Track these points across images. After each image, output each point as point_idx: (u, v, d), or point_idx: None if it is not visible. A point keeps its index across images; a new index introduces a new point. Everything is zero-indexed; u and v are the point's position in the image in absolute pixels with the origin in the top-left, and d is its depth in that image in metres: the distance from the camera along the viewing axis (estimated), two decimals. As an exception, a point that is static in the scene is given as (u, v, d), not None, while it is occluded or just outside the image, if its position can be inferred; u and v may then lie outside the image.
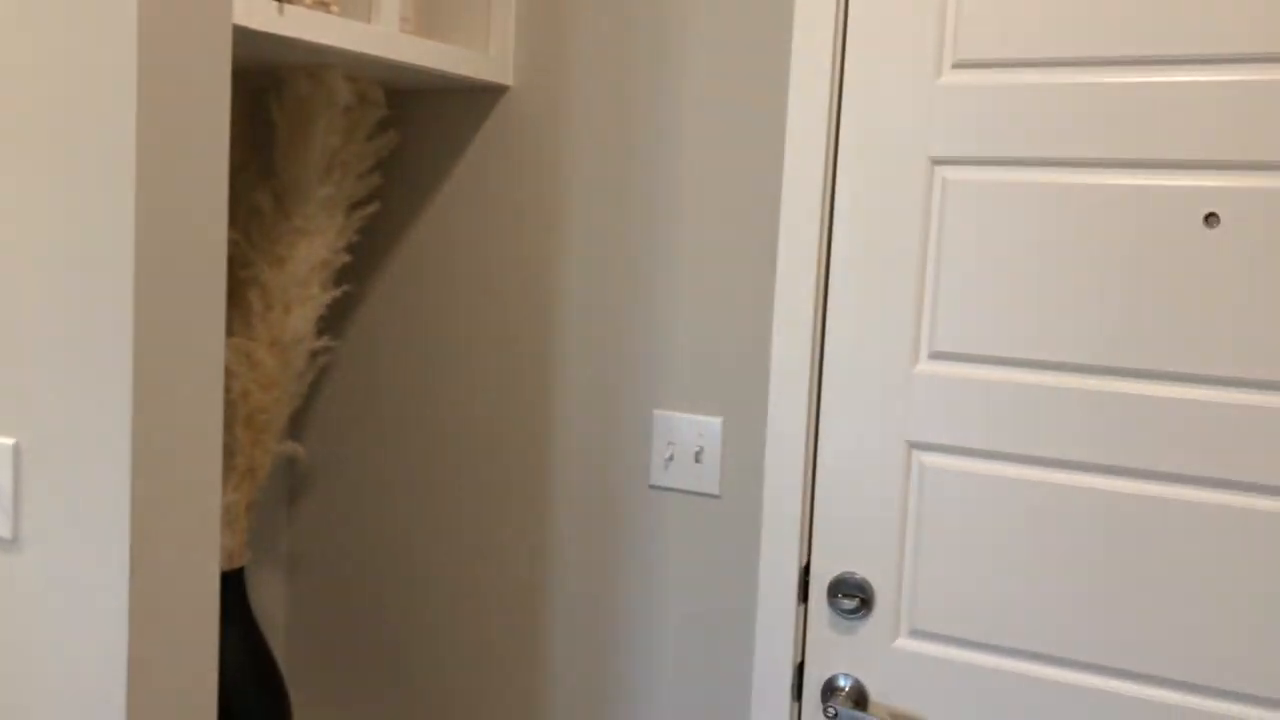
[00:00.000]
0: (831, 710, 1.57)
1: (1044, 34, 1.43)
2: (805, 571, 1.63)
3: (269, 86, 1.68)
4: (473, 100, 1.82)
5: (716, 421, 1.67)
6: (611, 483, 1.75)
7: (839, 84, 1.56)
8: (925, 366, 1.53)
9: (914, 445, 1.54)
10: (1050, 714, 1.48)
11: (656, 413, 1.71)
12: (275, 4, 1.34)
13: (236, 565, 1.71)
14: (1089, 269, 1.42)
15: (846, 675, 1.61)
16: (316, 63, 1.57)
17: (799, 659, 1.64)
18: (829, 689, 1.62)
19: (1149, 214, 1.39)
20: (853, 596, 1.59)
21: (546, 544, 1.81)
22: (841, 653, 1.61)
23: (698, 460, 1.68)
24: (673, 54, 1.65)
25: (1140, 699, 1.44)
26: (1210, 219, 1.36)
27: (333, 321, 1.96)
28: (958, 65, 1.48)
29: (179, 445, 1.19)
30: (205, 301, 1.21)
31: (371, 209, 1.78)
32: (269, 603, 2.07)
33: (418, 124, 1.87)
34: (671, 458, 1.70)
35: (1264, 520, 1.36)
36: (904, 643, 1.57)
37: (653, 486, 1.72)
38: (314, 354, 1.75)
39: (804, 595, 1.63)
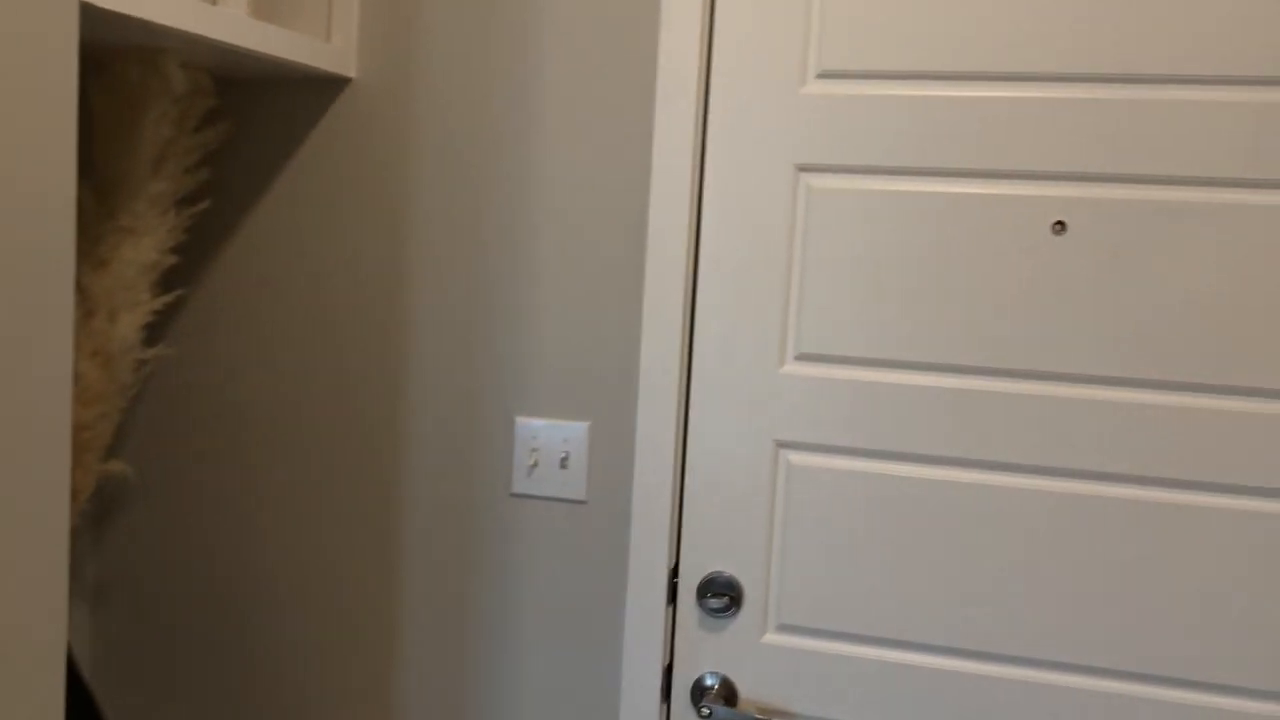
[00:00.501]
0: (706, 710, 1.59)
1: (903, 47, 1.49)
2: (674, 573, 1.64)
3: (86, 71, 1.52)
4: (311, 93, 1.71)
5: (583, 426, 1.64)
6: (470, 493, 1.70)
7: (705, 89, 1.57)
8: (792, 368, 1.57)
9: (781, 444, 1.58)
10: (912, 699, 1.56)
11: (519, 419, 1.67)
12: (120, -20, 1.21)
13: (54, 601, 1.53)
14: (946, 273, 1.50)
15: (714, 674, 1.63)
16: (151, 46, 1.43)
17: (668, 660, 1.64)
18: (698, 689, 1.63)
19: (1001, 222, 1.48)
20: (721, 595, 1.60)
21: (400, 560, 1.73)
22: (710, 652, 1.63)
23: (563, 466, 1.66)
24: (532, 50, 1.62)
25: (997, 679, 1.53)
26: (1058, 226, 1.47)
27: (161, 329, 1.79)
28: (822, 75, 1.53)
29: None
30: (50, 309, 1.08)
31: (202, 206, 1.64)
32: (71, 638, 1.88)
33: (250, 116, 1.74)
34: (535, 465, 1.66)
35: (1104, 505, 1.48)
36: (772, 638, 1.61)
37: (515, 495, 1.68)
38: (142, 364, 1.60)
39: (672, 597, 1.64)
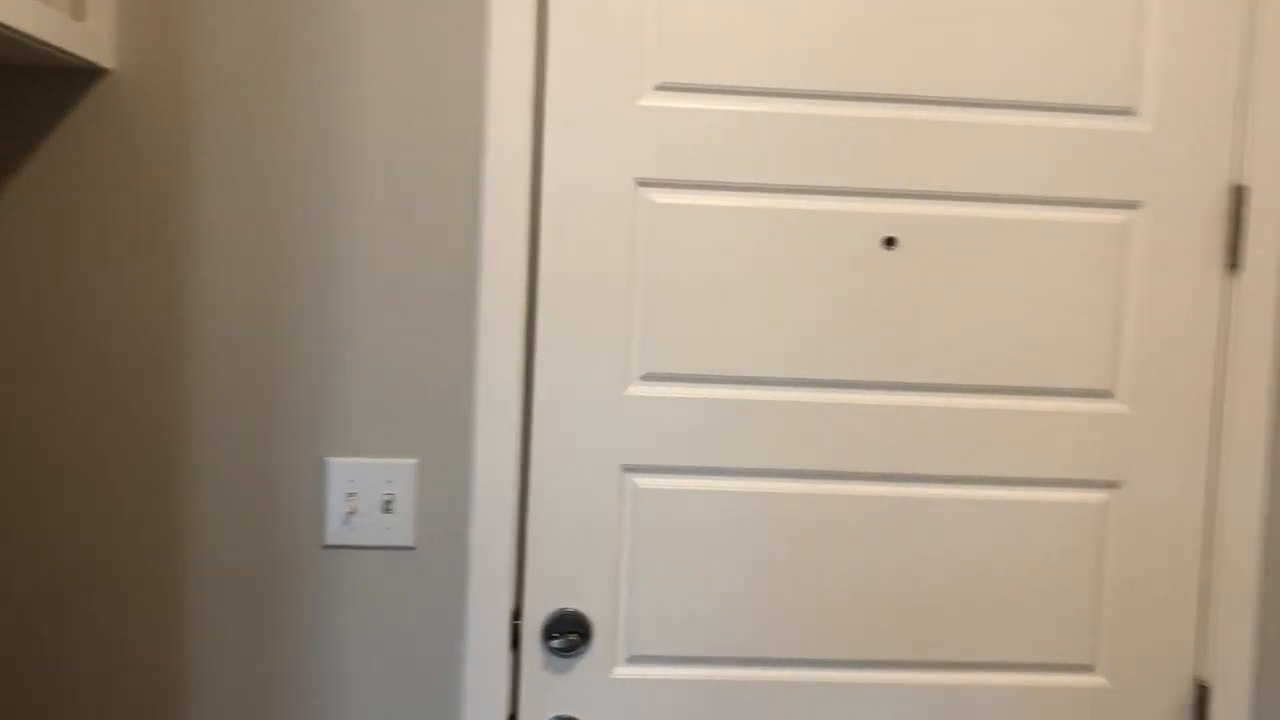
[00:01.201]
0: (563, 757, 1.49)
1: (740, 62, 1.49)
2: (516, 615, 1.52)
3: None
4: (56, 84, 1.42)
5: (410, 464, 1.49)
6: (274, 549, 1.48)
7: (539, 101, 1.48)
8: (637, 389, 1.51)
9: (628, 469, 1.51)
10: (768, 715, 1.55)
11: (331, 460, 1.48)
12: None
13: None
14: (784, 289, 1.51)
15: (562, 718, 1.53)
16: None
17: (511, 710, 1.52)
18: (545, 735, 1.53)
19: (836, 237, 1.51)
20: (569, 633, 1.51)
21: (186, 635, 1.48)
22: (558, 694, 1.53)
23: (387, 510, 1.49)
24: (339, 52, 1.44)
25: (847, 684, 1.56)
26: (889, 242, 1.52)
27: None
28: (660, 88, 1.49)
29: None
30: None
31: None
32: None
33: (-34, 108, 1.41)
34: (354, 511, 1.48)
35: (941, 507, 1.55)
36: (622, 671, 1.54)
37: (329, 546, 1.49)
38: None
39: (516, 641, 1.52)
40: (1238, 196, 1.55)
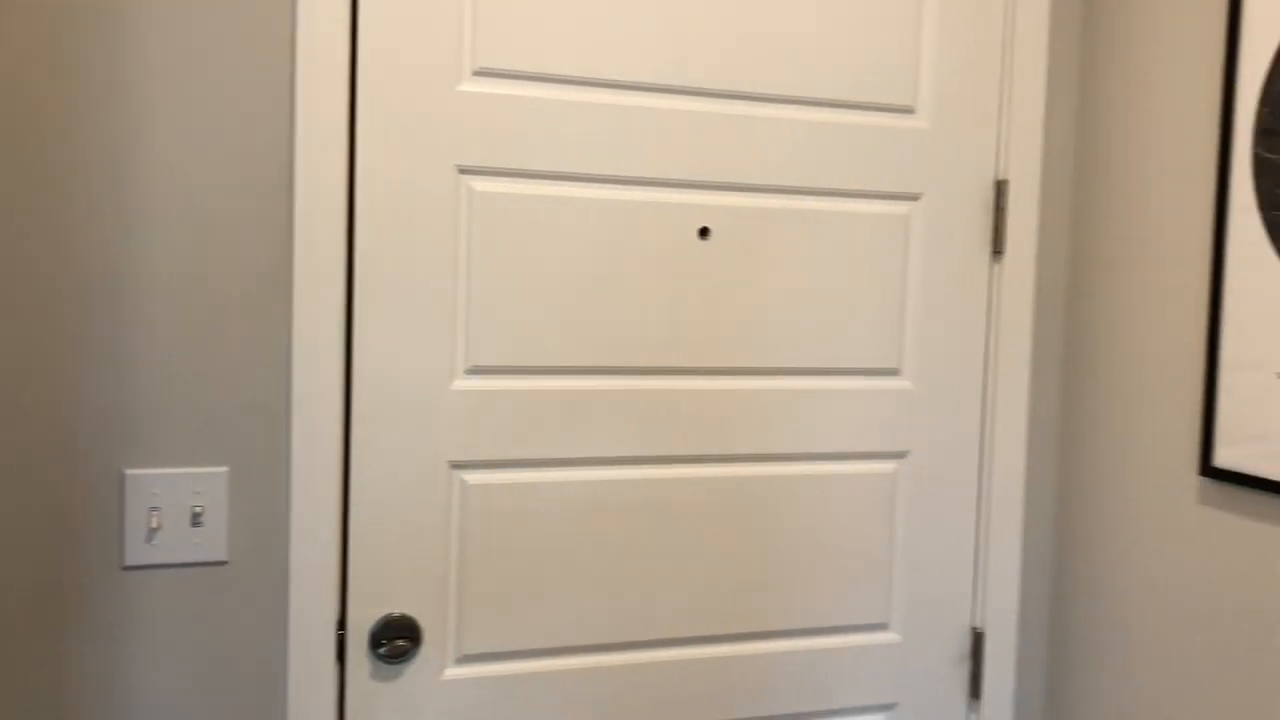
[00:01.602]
0: (401, 767, 1.44)
1: (558, 50, 1.48)
2: (341, 625, 1.45)
3: None
4: None
5: (220, 473, 1.38)
6: (63, 573, 1.33)
7: (354, 84, 1.40)
8: (463, 383, 1.47)
9: (456, 465, 1.48)
10: (597, 699, 1.56)
11: (129, 473, 1.34)
12: None
13: None
14: (607, 278, 1.52)
15: (391, 726, 1.48)
16: None
17: (338, 724, 1.45)
18: (374, 747, 1.47)
19: (655, 227, 1.54)
20: (398, 639, 1.46)
21: (-42, 679, 1.30)
22: (388, 703, 1.47)
23: (196, 524, 1.37)
24: (137, 24, 1.30)
25: (681, 661, 1.60)
26: (704, 232, 1.57)
27: None
28: (479, 73, 1.45)
29: None
30: None
31: None
32: None
33: None
34: (158, 527, 1.36)
35: (762, 485, 1.62)
36: (454, 672, 1.50)
37: (129, 567, 1.35)
38: None
39: (342, 652, 1.45)
40: (1000, 189, 1.71)
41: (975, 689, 1.77)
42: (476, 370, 1.48)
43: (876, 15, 1.62)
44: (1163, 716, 1.57)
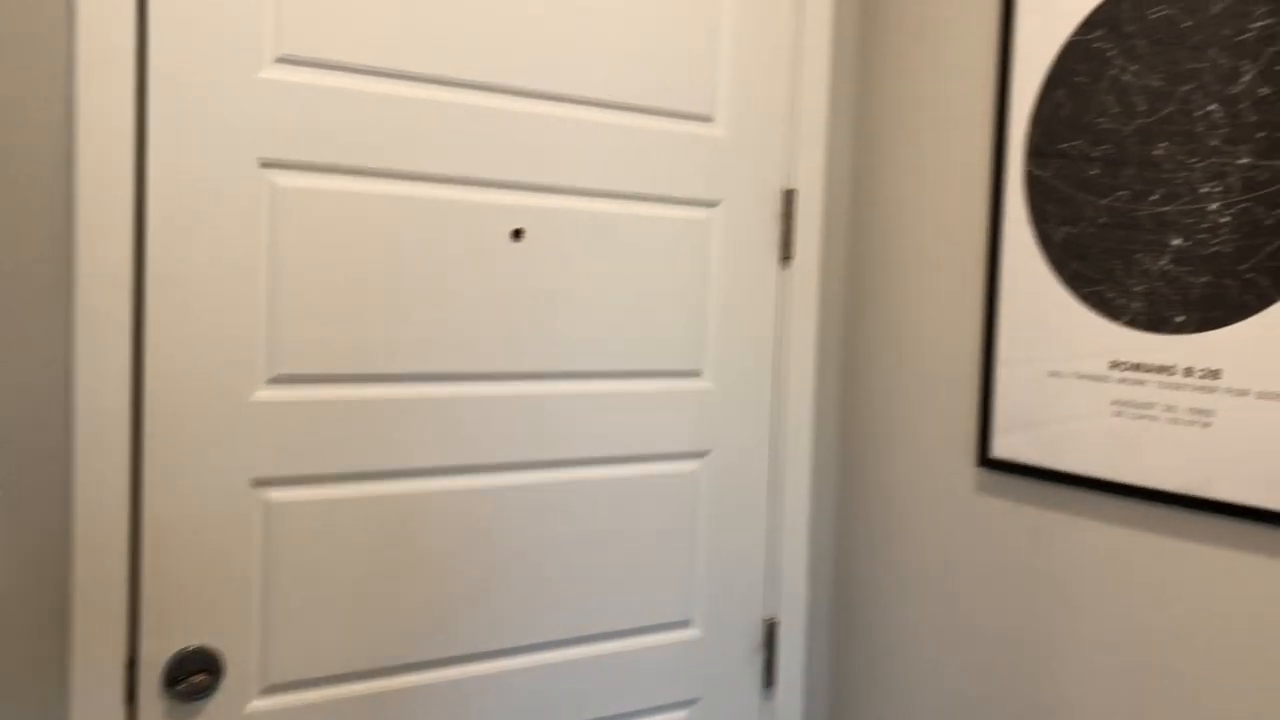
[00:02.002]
0: (205, 814, 1.31)
1: (368, 39, 1.40)
2: (132, 663, 1.30)
3: None
4: None
5: (-14, 501, 1.21)
6: None
7: (144, 67, 1.26)
8: (265, 393, 1.37)
9: (259, 483, 1.37)
10: (416, 715, 1.50)
11: None
12: None
13: None
14: (418, 280, 1.46)
15: (186, 770, 1.35)
16: None
17: (127, 774, 1.31)
18: (168, 794, 1.34)
19: (466, 228, 1.49)
20: (198, 673, 1.33)
21: None
22: (184, 745, 1.34)
23: (-43, 560, 1.19)
24: None
25: (507, 672, 1.56)
26: (517, 234, 1.53)
27: None
28: (282, 60, 1.35)
29: None
30: None
31: None
32: None
33: None
34: (-91, 566, 1.17)
35: (574, 489, 1.60)
36: (259, 705, 1.39)
37: (-128, 616, 1.16)
38: None
39: (132, 693, 1.31)
40: (789, 198, 1.79)
41: (769, 678, 1.84)
42: (280, 379, 1.38)
43: (678, 26, 1.65)
44: (943, 691, 1.70)
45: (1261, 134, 1.27)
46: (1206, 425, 1.33)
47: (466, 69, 1.47)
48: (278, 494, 1.38)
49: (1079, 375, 1.48)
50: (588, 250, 1.60)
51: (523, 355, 1.55)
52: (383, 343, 1.44)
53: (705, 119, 1.70)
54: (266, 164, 1.35)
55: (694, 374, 1.72)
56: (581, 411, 1.61)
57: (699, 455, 1.74)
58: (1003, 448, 1.58)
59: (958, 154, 1.66)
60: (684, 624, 1.75)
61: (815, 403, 1.85)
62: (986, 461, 1.61)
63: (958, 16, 1.67)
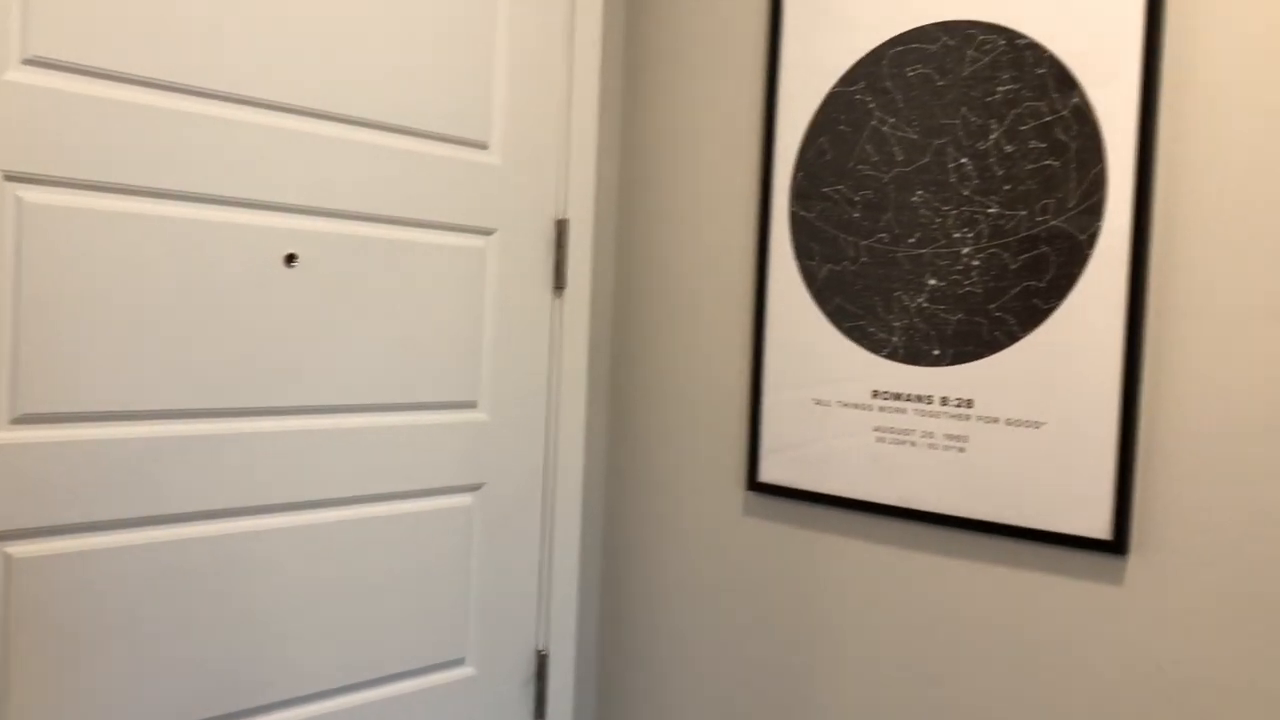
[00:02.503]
0: None
1: (127, 45, 1.27)
2: None
3: None
4: None
5: None
6: None
7: None
8: (8, 435, 1.21)
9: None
10: (175, 790, 1.37)
11: None
12: None
13: None
14: (182, 309, 1.34)
15: None
16: None
17: None
18: None
19: (236, 252, 1.39)
20: (-82, 762, 1.16)
21: None
22: (-98, 846, 1.16)
23: None
24: None
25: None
26: (290, 259, 1.44)
27: None
28: (31, 62, 1.20)
29: None
30: None
31: None
32: None
33: None
34: None
35: (353, 528, 1.52)
36: (-7, 791, 1.22)
37: None
38: None
39: None
40: (561, 228, 1.79)
41: (540, 709, 1.82)
42: (26, 420, 1.22)
43: (455, 52, 1.62)
44: (712, 706, 1.75)
45: (1007, 187, 1.42)
46: (961, 450, 1.46)
47: (236, 82, 1.38)
48: (20, 549, 1.22)
49: (843, 403, 1.58)
50: (363, 277, 1.53)
51: (292, 389, 1.46)
52: (142, 377, 1.31)
53: (481, 146, 1.68)
54: (12, 177, 1.20)
55: (470, 405, 1.69)
56: (353, 448, 1.54)
57: (474, 488, 1.71)
58: (771, 472, 1.66)
59: (726, 192, 1.74)
60: (458, 662, 1.71)
61: (587, 431, 1.86)
62: (755, 485, 1.68)
63: (724, 62, 1.74)
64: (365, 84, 1.51)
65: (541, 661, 1.82)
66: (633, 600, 1.87)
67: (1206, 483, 1.29)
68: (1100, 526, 1.35)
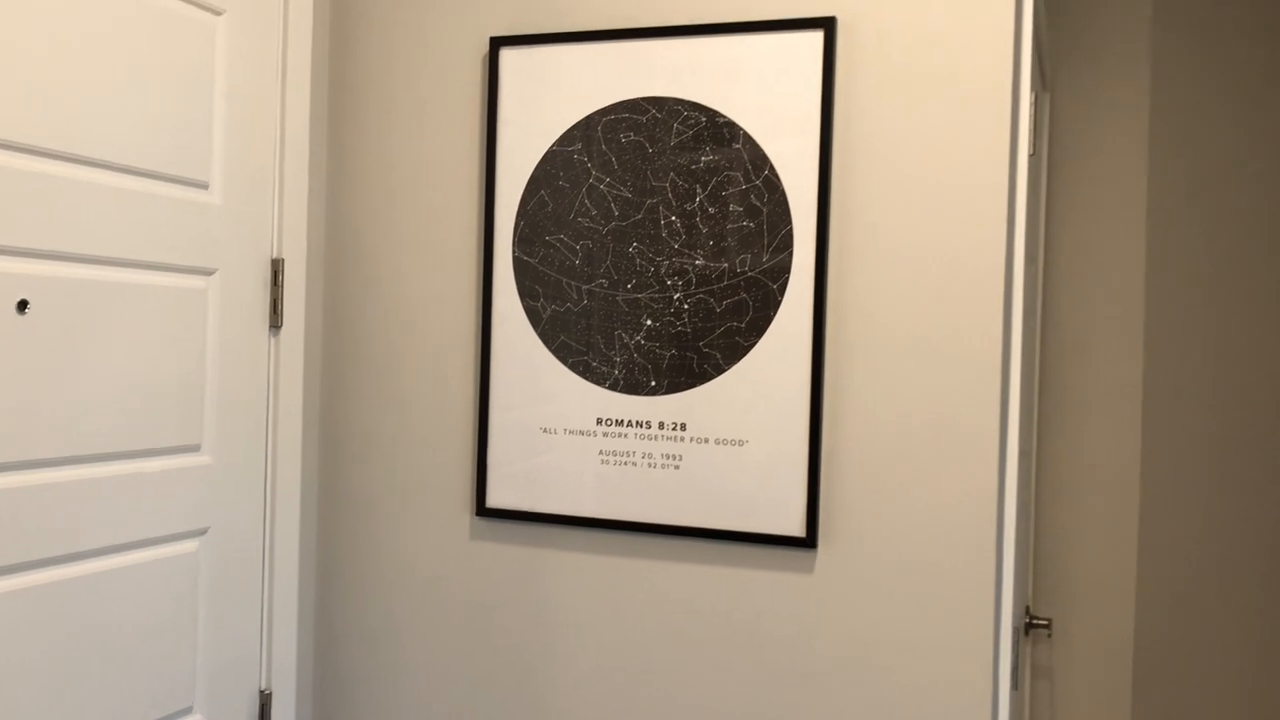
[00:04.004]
0: None
1: None
2: None
3: None
4: None
5: None
6: None
7: None
8: None
9: None
10: None
11: None
12: None
13: None
14: (-93, 361, 1.24)
15: None
16: None
17: None
18: None
19: (-32, 300, 1.30)
20: None
21: None
22: None
23: None
24: None
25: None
26: (22, 305, 1.36)
27: None
28: None
29: None
30: None
31: None
32: None
33: None
34: None
35: (78, 586, 1.44)
36: None
37: None
38: None
39: None
40: (277, 267, 1.81)
41: (263, 750, 1.82)
42: None
43: (175, 91, 1.60)
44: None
45: (711, 242, 1.66)
46: (677, 468, 1.69)
47: (-30, 119, 1.29)
48: None
49: (569, 431, 1.75)
50: (90, 322, 1.47)
51: (23, 443, 1.38)
52: None
53: (203, 185, 1.66)
54: None
55: (193, 449, 1.66)
56: (78, 501, 1.47)
57: (200, 533, 1.68)
58: (499, 497, 1.79)
59: (448, 235, 1.84)
60: (186, 710, 1.67)
61: (304, 468, 1.88)
62: (484, 511, 1.80)
63: (440, 114, 1.85)
64: (92, 124, 1.46)
65: (265, 702, 1.81)
66: (358, 634, 1.91)
67: (873, 484, 1.60)
68: (795, 525, 1.63)
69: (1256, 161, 2.38)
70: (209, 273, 1.68)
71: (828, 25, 1.60)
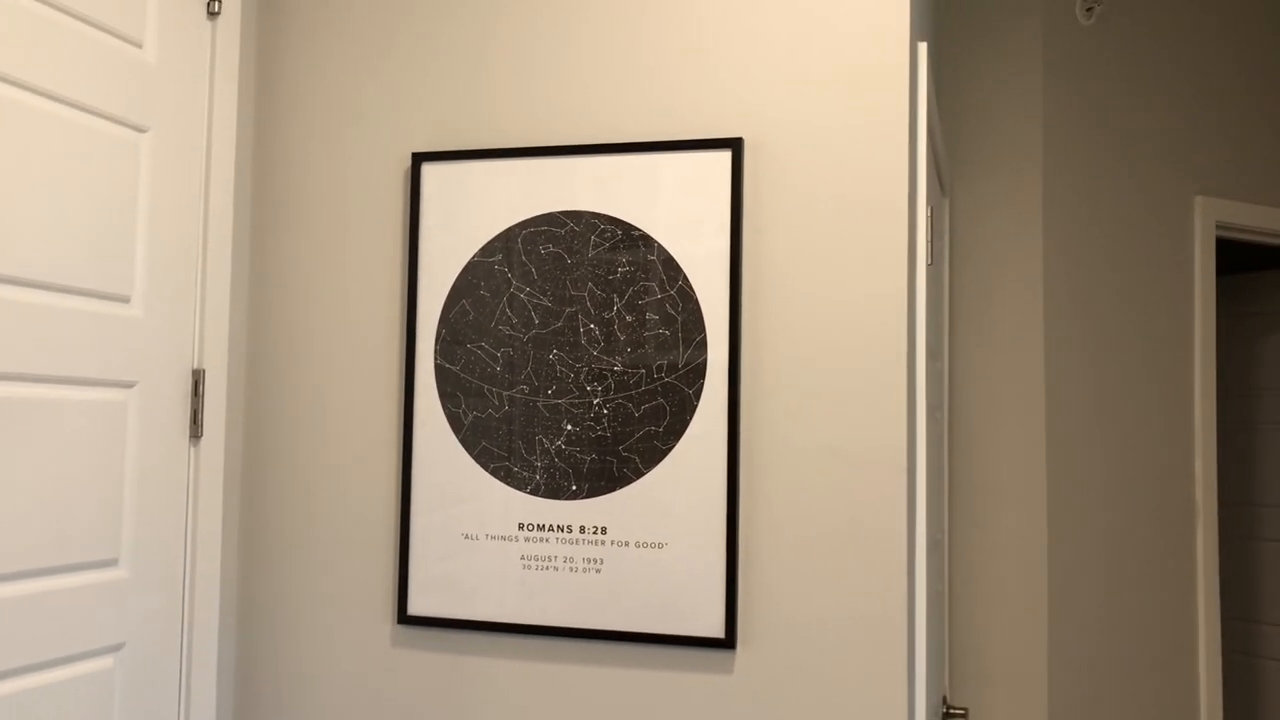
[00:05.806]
0: None
1: None
2: None
3: None
4: None
5: None
6: None
7: None
8: None
9: None
10: None
11: None
12: None
13: None
14: None
15: None
16: None
17: None
18: None
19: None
20: None
21: None
22: None
23: None
24: None
25: None
26: (-61, 426, 1.35)
27: None
28: None
29: None
30: None
31: None
32: None
33: None
34: None
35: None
36: None
37: None
38: None
39: None
40: (198, 377, 1.81)
41: None
42: None
43: (97, 207, 1.62)
44: (364, 839, 1.82)
45: (629, 349, 1.72)
46: (598, 571, 1.71)
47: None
48: None
49: (490, 536, 1.77)
50: (8, 440, 1.46)
51: (-58, 563, 1.36)
52: None
53: (124, 300, 1.67)
54: None
55: (110, 563, 1.64)
56: None
57: (115, 649, 1.65)
58: (420, 604, 1.80)
59: (368, 344, 1.87)
60: (96, 836, 1.62)
61: (224, 578, 1.86)
62: (406, 619, 1.80)
63: (360, 225, 1.89)
64: (10, 241, 1.47)
65: (178, 822, 1.77)
66: (273, 744, 1.88)
67: (788, 584, 1.65)
68: (715, 626, 1.66)
69: (1144, 260, 2.53)
70: (129, 385, 1.68)
71: (735, 145, 1.69)
